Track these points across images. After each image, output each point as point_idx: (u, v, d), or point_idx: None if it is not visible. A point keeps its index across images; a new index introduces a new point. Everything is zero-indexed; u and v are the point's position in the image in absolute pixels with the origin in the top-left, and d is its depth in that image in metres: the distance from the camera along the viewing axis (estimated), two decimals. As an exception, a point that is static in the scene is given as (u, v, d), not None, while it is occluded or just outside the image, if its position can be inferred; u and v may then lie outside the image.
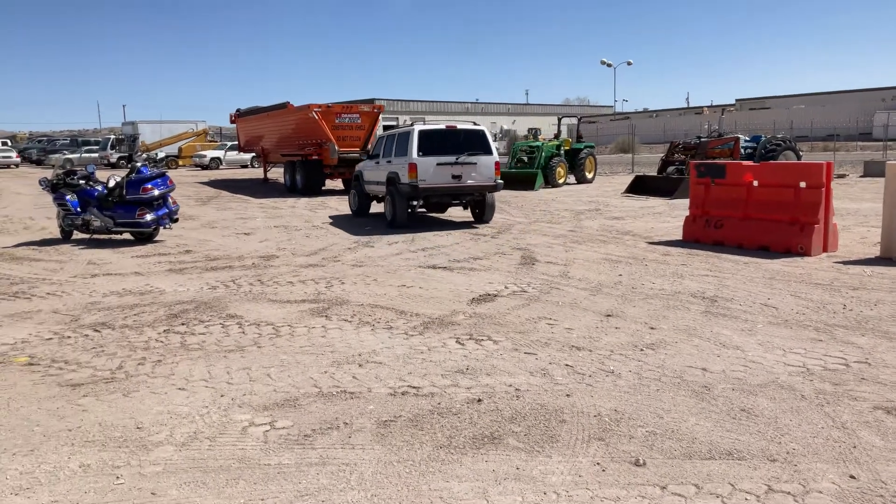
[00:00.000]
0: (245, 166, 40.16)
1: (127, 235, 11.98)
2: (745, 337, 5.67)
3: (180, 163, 42.41)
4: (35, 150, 52.91)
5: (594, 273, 8.45)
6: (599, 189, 21.83)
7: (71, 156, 42.93)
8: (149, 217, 11.54)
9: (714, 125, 28.19)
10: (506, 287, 7.76)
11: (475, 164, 12.92)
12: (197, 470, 3.56)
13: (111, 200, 11.69)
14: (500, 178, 13.43)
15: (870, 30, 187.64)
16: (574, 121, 29.19)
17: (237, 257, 10.24)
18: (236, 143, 34.69)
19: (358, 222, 14.36)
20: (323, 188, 22.59)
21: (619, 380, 4.75)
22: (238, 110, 29.77)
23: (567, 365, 5.07)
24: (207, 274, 8.94)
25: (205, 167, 39.87)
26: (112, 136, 48.78)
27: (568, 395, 4.48)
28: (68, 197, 11.80)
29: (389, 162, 13.55)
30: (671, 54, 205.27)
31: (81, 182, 11.98)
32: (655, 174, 21.88)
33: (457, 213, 15.10)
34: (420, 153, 12.61)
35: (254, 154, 33.72)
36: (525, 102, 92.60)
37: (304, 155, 22.35)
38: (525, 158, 23.31)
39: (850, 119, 48.83)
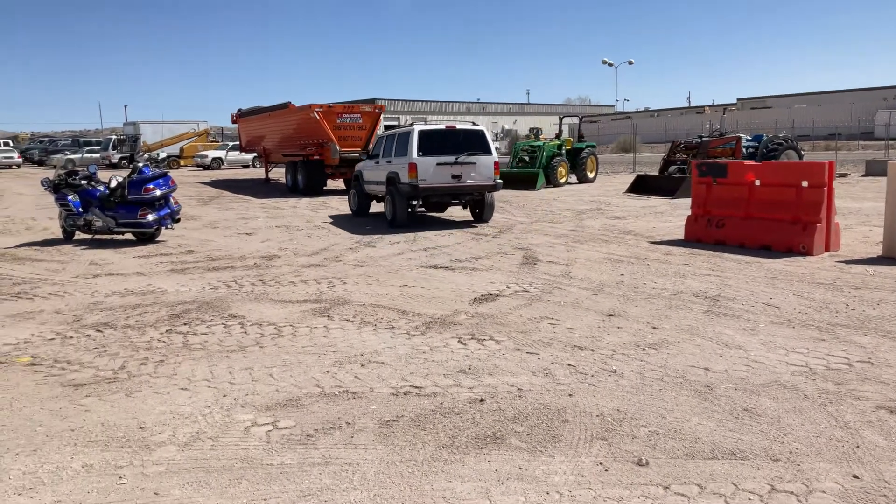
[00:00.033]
0: (246, 166, 40.19)
1: (129, 236, 11.99)
2: (747, 336, 5.67)
3: (182, 163, 42.45)
4: (37, 151, 52.98)
5: (596, 273, 8.45)
6: (601, 189, 21.82)
7: (73, 156, 42.96)
8: (151, 217, 11.55)
9: (716, 124, 28.14)
10: (508, 287, 7.76)
11: (475, 163, 12.98)
12: (199, 470, 3.56)
13: (113, 201, 11.70)
14: (500, 178, 13.49)
15: (871, 29, 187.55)
16: (575, 120, 29.17)
17: (239, 257, 10.25)
18: (238, 143, 34.71)
19: (359, 222, 14.37)
20: (324, 188, 22.59)
21: (622, 379, 4.75)
22: (239, 110, 29.78)
23: (569, 365, 5.07)
24: (209, 274, 8.95)
25: (206, 167, 39.91)
26: (114, 137, 48.85)
27: (570, 395, 4.48)
28: (70, 197, 11.81)
29: (389, 162, 13.59)
30: (672, 54, 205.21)
31: (83, 182, 12.00)
32: (657, 174, 21.89)
33: (457, 212, 15.10)
34: (420, 153, 12.66)
35: (255, 154, 33.75)
36: (526, 102, 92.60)
37: (305, 155, 22.36)
38: (526, 158, 23.30)
39: (852, 118, 48.79)
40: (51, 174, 13.61)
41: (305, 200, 20.17)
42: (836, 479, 3.34)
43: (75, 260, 10.26)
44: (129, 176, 11.88)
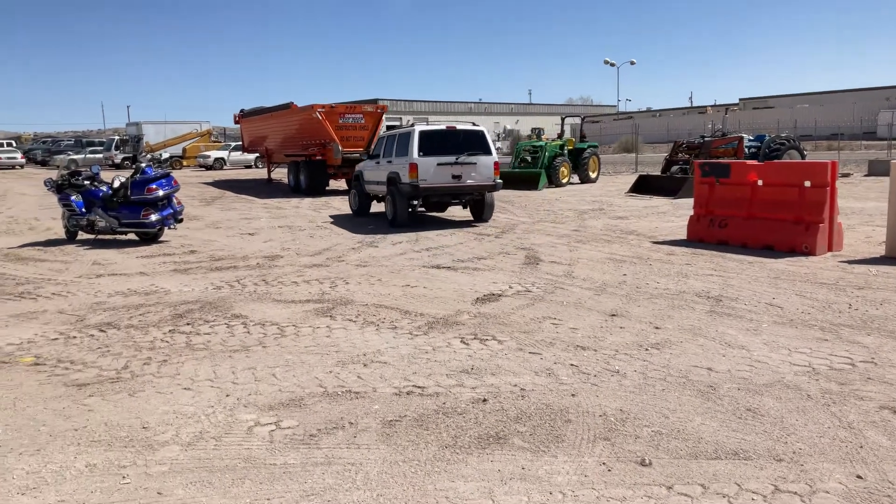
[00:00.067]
0: (249, 167, 40.24)
1: (132, 236, 12.00)
2: (750, 336, 5.66)
3: (184, 163, 42.52)
4: (40, 151, 53.09)
5: (598, 273, 8.44)
6: (603, 189, 21.80)
7: (75, 156, 43.05)
8: (153, 217, 11.56)
9: (718, 124, 28.11)
10: (510, 287, 7.76)
11: (475, 164, 13.05)
12: (203, 469, 3.57)
13: (116, 201, 11.72)
14: (500, 178, 13.56)
15: (873, 29, 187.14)
16: (577, 120, 29.14)
17: (242, 257, 10.26)
18: (240, 143, 34.76)
19: (361, 222, 14.37)
20: (327, 188, 22.61)
21: (625, 379, 4.75)
22: (242, 111, 29.82)
23: (572, 365, 5.07)
24: (212, 274, 8.96)
25: (209, 167, 39.96)
26: (116, 137, 48.97)
27: (573, 395, 4.48)
28: (73, 197, 11.83)
29: (390, 162, 13.64)
30: (674, 54, 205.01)
31: (86, 183, 12.02)
32: (659, 174, 21.86)
33: (457, 212, 15.10)
34: (420, 153, 12.71)
35: (258, 154, 33.80)
36: (528, 102, 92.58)
37: (307, 155, 22.37)
38: (528, 158, 23.29)
39: (854, 118, 48.74)
40: (54, 174, 13.63)
41: (308, 200, 20.19)
42: (840, 479, 3.34)
43: (78, 260, 10.28)
44: (131, 176, 11.90)
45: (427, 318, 6.51)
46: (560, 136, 25.17)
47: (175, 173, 14.55)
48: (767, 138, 21.85)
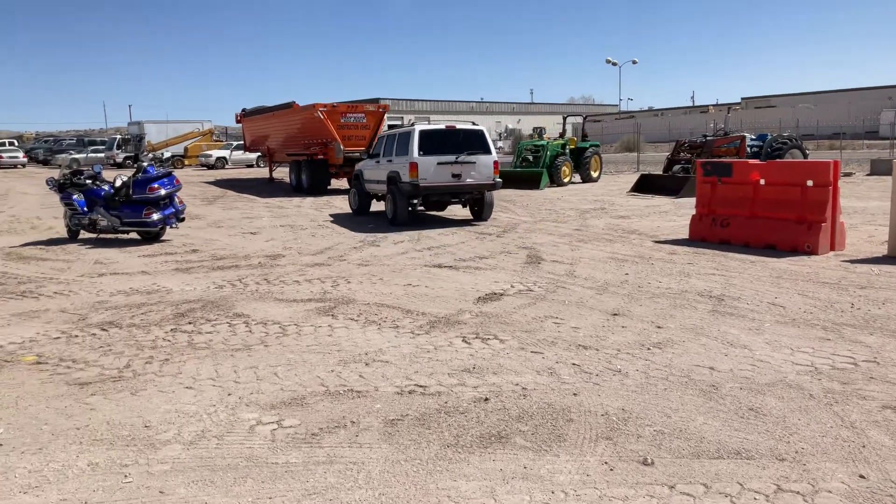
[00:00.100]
0: (250, 166, 40.25)
1: (133, 235, 12.01)
2: (752, 336, 5.65)
3: (186, 162, 42.55)
4: (41, 150, 53.12)
5: (600, 272, 8.44)
6: (605, 188, 21.79)
7: (77, 156, 43.08)
8: (155, 216, 11.57)
9: (720, 124, 28.07)
10: (512, 286, 7.75)
11: (474, 163, 13.11)
12: (205, 468, 3.57)
13: (118, 200, 11.73)
14: (499, 177, 13.62)
15: (876, 28, 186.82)
16: (579, 120, 29.14)
17: (243, 256, 10.26)
18: (242, 142, 34.76)
19: (362, 221, 14.38)
20: (328, 188, 22.61)
21: (627, 379, 4.74)
22: (243, 110, 29.83)
23: (574, 364, 5.07)
24: (214, 273, 8.96)
25: (210, 167, 39.98)
26: (118, 136, 48.98)
27: (575, 394, 4.48)
28: (75, 196, 11.84)
29: (390, 161, 13.69)
30: (676, 53, 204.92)
31: (88, 182, 12.02)
32: (661, 173, 21.84)
33: (457, 211, 15.09)
34: (421, 152, 12.76)
35: (259, 153, 33.81)
36: (530, 101, 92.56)
37: (309, 154, 22.38)
38: (530, 157, 23.29)
39: (857, 117, 48.68)
40: (56, 174, 13.65)
41: (309, 200, 20.20)
42: (843, 478, 3.33)
43: (80, 259, 10.29)
44: (133, 175, 11.91)
45: (429, 317, 6.50)
46: (562, 135, 25.18)
47: (177, 172, 14.56)
48: (769, 137, 21.82)
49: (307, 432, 3.98)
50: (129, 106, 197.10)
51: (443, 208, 14.67)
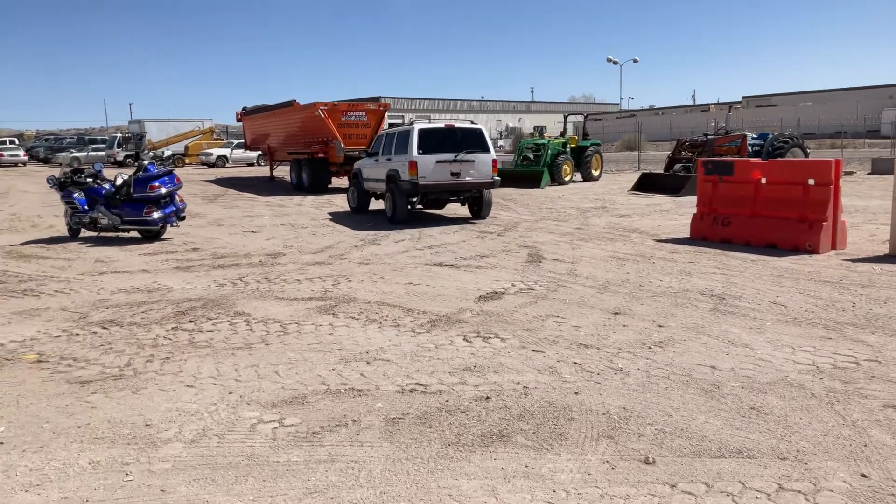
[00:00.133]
0: (251, 164, 40.25)
1: (134, 233, 12.01)
2: (753, 335, 5.65)
3: (187, 161, 42.55)
4: (42, 149, 53.17)
5: (601, 271, 8.43)
6: (606, 187, 21.78)
7: (78, 154, 43.08)
8: (156, 215, 11.57)
9: (721, 122, 28.05)
10: (513, 285, 7.75)
11: (473, 161, 13.15)
12: (206, 467, 3.57)
13: (119, 198, 11.73)
14: (498, 176, 13.68)
15: (877, 27, 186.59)
16: (580, 118, 29.13)
17: (244, 255, 10.26)
18: (242, 141, 34.76)
19: (362, 219, 14.38)
20: (329, 186, 22.61)
21: (628, 378, 4.74)
22: (244, 108, 29.82)
23: (575, 363, 5.06)
24: (215, 272, 8.96)
25: (211, 165, 39.98)
26: (119, 135, 48.95)
27: (576, 393, 4.47)
28: (76, 195, 11.84)
29: (389, 160, 13.73)
30: (677, 52, 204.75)
31: (89, 180, 12.03)
32: (662, 172, 21.83)
33: (455, 209, 15.09)
34: (420, 151, 12.80)
35: (260, 152, 33.80)
36: (530, 100, 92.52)
37: (310, 153, 22.37)
38: (531, 156, 23.28)
39: (858, 116, 48.66)
40: (56, 172, 13.65)
41: (310, 198, 20.19)
42: (844, 477, 3.33)
43: (81, 257, 10.29)
44: (134, 174, 11.90)
45: (430, 315, 6.50)
46: (563, 133, 25.18)
47: (177, 171, 14.55)
48: (771, 136, 21.81)
49: (308, 431, 3.98)
50: (130, 104, 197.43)
51: (442, 206, 14.73)
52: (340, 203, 18.35)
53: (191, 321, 6.45)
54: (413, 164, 12.72)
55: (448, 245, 10.80)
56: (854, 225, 11.18)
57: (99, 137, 58.75)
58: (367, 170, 15.20)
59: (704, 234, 10.63)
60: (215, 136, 48.55)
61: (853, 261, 8.64)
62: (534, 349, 5.40)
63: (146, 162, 12.38)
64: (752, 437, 3.78)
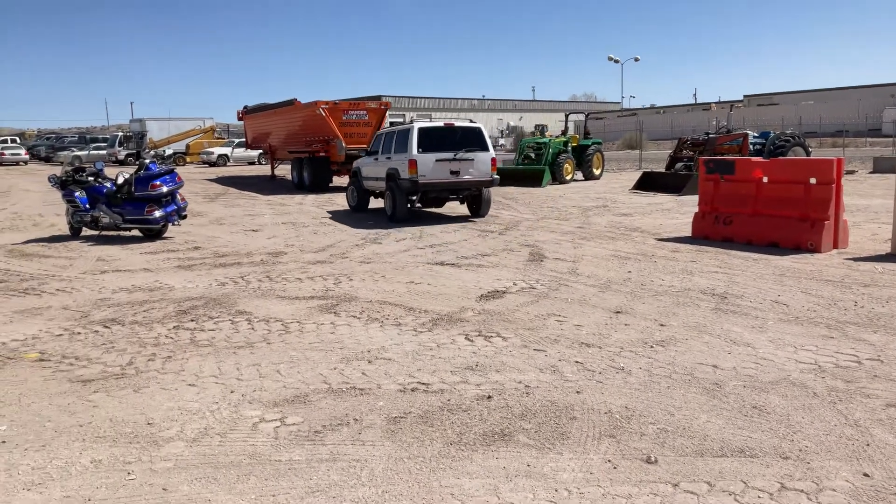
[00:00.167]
0: (252, 163, 40.26)
1: (136, 232, 12.02)
2: (755, 334, 5.64)
3: (188, 160, 42.56)
4: (43, 148, 53.20)
5: (603, 270, 8.43)
6: (607, 185, 21.76)
7: (79, 153, 43.07)
8: (157, 214, 11.57)
9: (722, 121, 28.02)
10: (514, 283, 7.75)
11: (472, 160, 13.21)
12: (208, 466, 3.57)
13: (120, 197, 11.73)
14: (497, 174, 13.73)
15: (879, 25, 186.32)
16: (581, 117, 29.09)
17: (245, 254, 10.26)
18: (244, 139, 34.77)
19: (363, 218, 14.38)
20: (330, 185, 22.61)
21: (630, 377, 4.74)
22: (245, 107, 29.82)
23: (577, 362, 5.06)
24: (216, 270, 8.96)
25: (212, 164, 39.98)
26: (120, 134, 48.99)
27: (578, 392, 4.47)
28: (77, 194, 11.84)
29: (389, 158, 13.75)
30: (678, 50, 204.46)
31: (90, 179, 12.03)
32: (663, 170, 21.82)
33: (454, 207, 15.09)
34: (420, 149, 12.83)
35: (261, 151, 33.81)
36: (531, 99, 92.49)
37: (311, 152, 22.36)
38: (532, 155, 23.26)
39: (859, 115, 48.58)
40: (58, 171, 13.65)
41: (311, 197, 20.20)
42: (847, 477, 3.32)
43: (82, 256, 10.29)
44: (135, 172, 11.91)
45: (431, 314, 6.50)
46: (564, 132, 25.12)
47: (179, 170, 14.57)
48: (772, 135, 21.80)
49: (310, 430, 3.98)
50: (131, 103, 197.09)
51: (441, 205, 14.78)
52: (341, 202, 18.34)
53: (192, 320, 6.45)
54: (413, 163, 12.75)
55: (449, 244, 10.79)
56: (856, 224, 11.17)
57: (100, 136, 58.82)
58: (366, 168, 15.24)
59: (706, 232, 10.62)
60: (216, 135, 48.59)
61: (855, 260, 8.63)
62: (535, 348, 5.40)
63: (147, 160, 12.38)
64: (754, 436, 3.78)
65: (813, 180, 9.45)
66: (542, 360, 5.10)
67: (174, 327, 6.21)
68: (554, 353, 5.25)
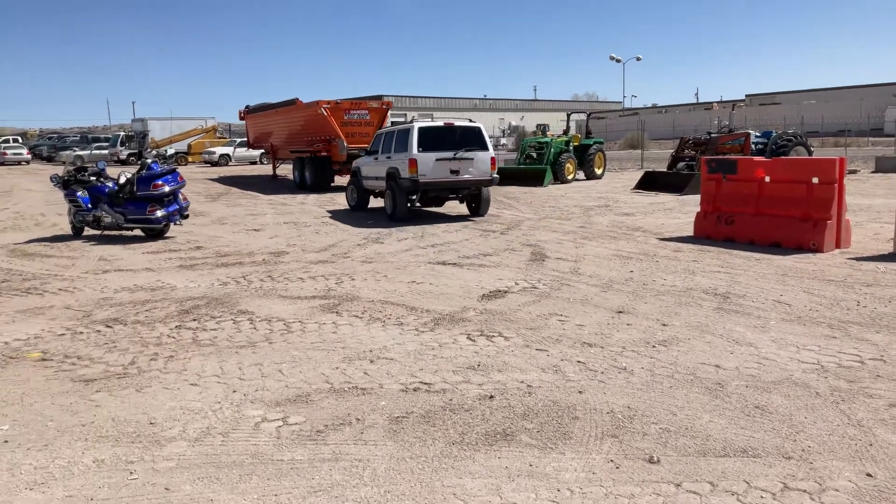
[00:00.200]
0: (254, 163, 40.28)
1: (138, 232, 12.03)
2: (758, 334, 5.63)
3: (190, 159, 42.58)
4: (45, 147, 53.30)
5: (605, 269, 8.42)
6: (609, 185, 21.75)
7: (81, 153, 43.12)
8: (159, 213, 11.58)
9: (724, 121, 28.00)
10: (516, 283, 7.74)
11: (472, 159, 13.27)
12: (210, 465, 3.57)
13: (122, 197, 11.74)
14: (496, 173, 13.80)
15: (881, 24, 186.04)
16: (583, 116, 29.09)
17: (247, 253, 10.26)
18: (245, 139, 34.79)
19: (364, 217, 14.38)
20: (332, 184, 22.61)
21: (632, 376, 4.73)
22: (247, 107, 29.83)
23: (579, 361, 5.06)
24: (218, 270, 8.97)
25: (214, 164, 40.02)
26: (122, 133, 49.08)
27: (580, 392, 4.46)
28: (79, 193, 11.86)
29: (389, 158, 13.79)
30: (680, 49, 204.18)
31: (92, 179, 12.04)
32: (665, 170, 21.80)
33: (453, 206, 15.09)
34: (420, 149, 12.87)
35: (263, 151, 33.83)
36: (533, 98, 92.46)
37: (312, 151, 22.37)
38: (534, 154, 23.25)
39: (861, 114, 48.49)
40: (60, 170, 13.66)
41: (313, 197, 20.20)
42: (850, 477, 3.32)
43: (85, 256, 10.30)
44: (137, 172, 11.91)
45: (433, 314, 6.50)
46: (565, 132, 25.11)
47: (180, 169, 14.58)
48: (774, 134, 21.77)
49: (312, 429, 3.98)
50: (133, 103, 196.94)
51: (440, 204, 14.83)
52: (343, 201, 18.32)
53: (194, 319, 6.45)
54: (413, 162, 12.79)
55: (451, 243, 10.79)
56: (858, 223, 11.15)
57: (102, 136, 58.90)
58: (366, 168, 15.30)
59: (708, 232, 10.61)
60: (218, 135, 48.60)
61: (857, 259, 8.62)
62: (537, 348, 5.39)
63: (149, 160, 12.38)
64: (756, 436, 3.77)
65: (815, 180, 9.44)
66: (544, 360, 5.10)
67: (176, 327, 6.22)
68: (556, 353, 5.25)
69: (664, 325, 5.96)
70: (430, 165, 12.90)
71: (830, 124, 48.36)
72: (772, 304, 6.57)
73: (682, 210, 14.37)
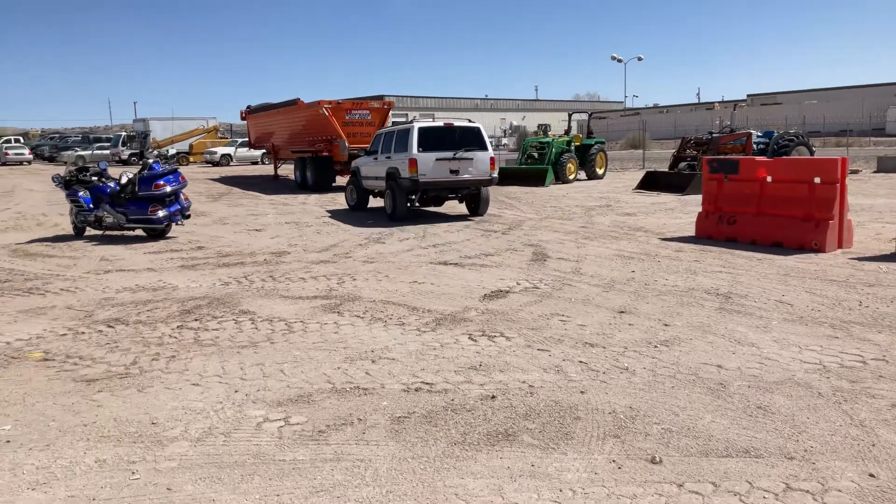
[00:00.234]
0: (255, 163, 40.30)
1: (139, 232, 12.04)
2: (760, 334, 5.63)
3: (191, 159, 42.63)
4: (47, 147, 53.36)
5: (606, 269, 8.41)
6: (610, 185, 21.74)
7: (83, 153, 43.15)
8: (161, 213, 11.59)
9: (726, 120, 27.98)
10: (518, 283, 7.74)
11: (472, 159, 13.33)
12: (212, 465, 3.57)
13: (123, 197, 11.75)
14: (496, 173, 13.85)
15: (882, 24, 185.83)
16: (584, 116, 29.08)
17: (249, 253, 10.27)
18: (247, 139, 34.81)
19: (364, 217, 14.38)
20: (333, 184, 22.62)
21: (634, 377, 4.73)
22: (248, 107, 29.85)
23: (581, 362, 5.05)
24: (219, 270, 8.97)
25: (215, 164, 40.05)
26: (123, 133, 49.12)
27: (582, 392, 4.46)
28: (81, 193, 11.87)
29: (388, 158, 13.83)
30: (682, 49, 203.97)
31: (94, 179, 12.05)
32: (667, 170, 21.79)
33: (452, 206, 15.08)
34: (420, 149, 12.91)
35: (264, 151, 33.84)
36: (534, 98, 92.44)
37: (314, 151, 22.37)
38: (535, 154, 23.25)
39: (863, 114, 48.46)
40: (61, 170, 13.67)
41: (314, 197, 20.21)
42: (852, 477, 3.31)
43: (86, 256, 10.31)
44: (139, 172, 11.92)
45: (435, 314, 6.50)
46: (567, 132, 25.12)
47: (182, 169, 14.59)
48: (776, 134, 21.75)
49: (314, 429, 3.98)
50: (135, 103, 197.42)
51: (440, 204, 14.87)
52: (344, 202, 18.33)
53: (196, 320, 6.46)
54: (413, 162, 12.83)
55: (452, 244, 10.79)
56: (860, 223, 11.14)
57: (104, 136, 58.96)
58: (365, 168, 15.34)
59: (710, 232, 10.60)
60: (219, 135, 48.64)
61: (859, 259, 8.61)
62: (539, 348, 5.39)
63: (151, 160, 12.39)
64: (759, 436, 3.77)
65: (817, 180, 9.43)
66: (545, 360, 5.10)
67: (178, 327, 6.22)
68: (558, 353, 5.25)
69: (666, 325, 5.95)
70: (430, 165, 12.93)
71: (832, 124, 48.31)
72: (774, 304, 6.56)
73: (684, 210, 14.36)
